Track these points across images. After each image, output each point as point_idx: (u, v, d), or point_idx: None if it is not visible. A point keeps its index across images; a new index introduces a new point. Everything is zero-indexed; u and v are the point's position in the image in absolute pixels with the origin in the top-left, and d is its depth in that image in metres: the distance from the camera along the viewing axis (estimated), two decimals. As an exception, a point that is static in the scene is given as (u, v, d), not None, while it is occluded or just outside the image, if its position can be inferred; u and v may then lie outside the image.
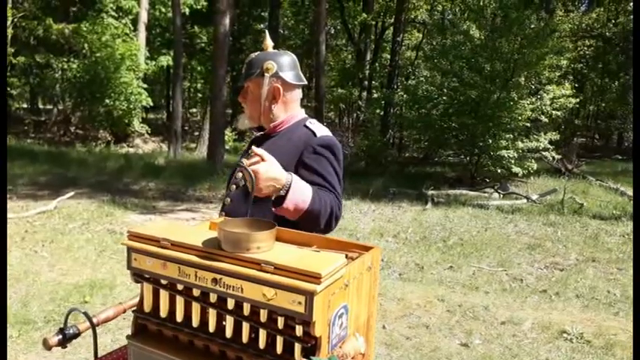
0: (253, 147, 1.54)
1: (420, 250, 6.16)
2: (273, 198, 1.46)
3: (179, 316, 1.09)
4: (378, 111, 18.12)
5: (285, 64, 1.73)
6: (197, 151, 12.98)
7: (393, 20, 20.03)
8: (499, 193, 10.29)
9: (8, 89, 15.30)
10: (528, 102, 11.07)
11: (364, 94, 21.80)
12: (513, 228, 7.42)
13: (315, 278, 0.91)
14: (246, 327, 1.01)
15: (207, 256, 1.02)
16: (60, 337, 1.26)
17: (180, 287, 1.07)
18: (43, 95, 19.11)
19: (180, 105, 12.81)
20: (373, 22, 22.00)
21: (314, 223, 1.55)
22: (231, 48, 25.35)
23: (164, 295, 1.10)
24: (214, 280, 1.00)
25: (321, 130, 1.72)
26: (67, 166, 11.04)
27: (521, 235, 7.06)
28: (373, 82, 22.61)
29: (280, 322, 0.97)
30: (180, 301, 1.08)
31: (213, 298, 1.03)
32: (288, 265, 0.94)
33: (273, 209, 1.50)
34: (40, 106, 22.60)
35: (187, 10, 16.44)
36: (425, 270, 5.41)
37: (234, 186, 1.77)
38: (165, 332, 1.12)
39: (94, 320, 1.35)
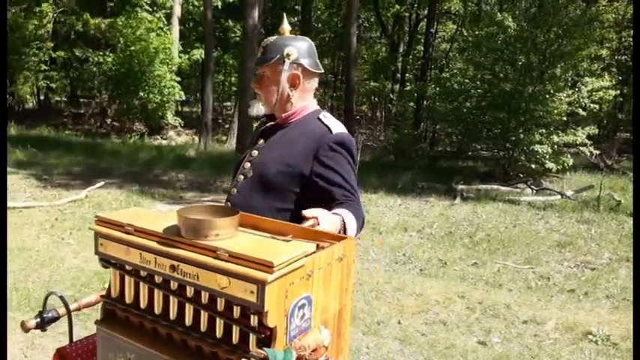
0: (305, 212, 1.46)
1: (444, 245, 6.03)
2: None
3: (143, 303, 1.07)
4: (411, 104, 17.87)
5: (305, 51, 1.66)
6: (227, 143, 13.11)
7: (426, 12, 19.68)
8: (532, 188, 9.99)
9: (48, 82, 15.81)
10: (565, 95, 10.67)
11: (397, 86, 21.52)
12: (544, 225, 7.17)
13: (268, 267, 0.87)
14: (204, 315, 0.98)
15: (166, 243, 0.99)
16: (38, 320, 1.26)
17: (143, 274, 1.05)
18: (82, 88, 19.64)
19: (210, 98, 12.95)
20: (407, 14, 21.68)
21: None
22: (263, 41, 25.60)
23: (129, 281, 1.08)
24: (172, 267, 0.98)
25: (337, 127, 1.66)
26: (100, 156, 11.33)
27: (551, 232, 6.81)
28: (407, 75, 22.30)
29: (236, 311, 0.93)
30: (143, 288, 1.06)
31: (174, 285, 1.01)
32: (242, 252, 0.90)
33: None
34: (81, 100, 23.30)
35: (220, 4, 16.58)
36: (448, 266, 5.29)
37: (241, 176, 1.72)
38: (131, 318, 1.10)
39: (76, 305, 1.36)
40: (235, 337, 0.95)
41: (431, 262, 5.40)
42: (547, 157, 10.46)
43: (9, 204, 5.97)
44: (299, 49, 1.62)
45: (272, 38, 1.66)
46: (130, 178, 9.05)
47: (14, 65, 14.73)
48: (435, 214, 7.74)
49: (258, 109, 1.69)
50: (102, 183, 8.07)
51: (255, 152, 1.69)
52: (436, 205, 8.44)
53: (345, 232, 1.39)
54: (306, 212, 1.36)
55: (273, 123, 1.72)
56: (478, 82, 12.23)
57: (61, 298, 1.28)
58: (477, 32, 12.66)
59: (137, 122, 16.56)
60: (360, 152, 15.55)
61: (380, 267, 5.09)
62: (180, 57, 16.94)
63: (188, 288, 0.98)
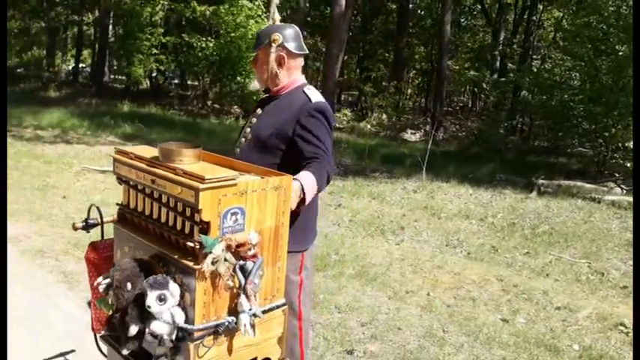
0: (256, 123, 1.89)
1: (501, 234, 6.04)
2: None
3: (139, 207, 1.53)
4: (509, 95, 17.24)
5: (289, 36, 2.04)
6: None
7: (530, -1, 18.76)
8: (621, 188, 9.43)
9: (158, 65, 17.40)
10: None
11: (495, 76, 20.76)
12: (619, 224, 6.85)
13: (201, 179, 1.27)
14: (171, 214, 1.41)
15: (150, 165, 1.43)
16: (84, 224, 1.78)
17: (140, 187, 1.50)
18: (188, 72, 21.30)
19: (299, 83, 13.61)
20: (511, 1, 20.81)
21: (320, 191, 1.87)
22: (360, 28, 25.77)
23: (132, 193, 1.54)
24: (152, 181, 1.41)
25: (316, 97, 2.03)
26: (197, 134, 12.40)
27: (625, 231, 6.51)
28: (510, 65, 21.43)
29: (188, 211, 1.35)
30: (138, 196, 1.51)
31: (155, 194, 1.45)
32: (191, 171, 1.31)
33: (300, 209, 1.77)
34: (189, 82, 25.23)
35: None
36: (498, 252, 5.34)
37: (243, 139, 2.16)
38: (132, 219, 1.57)
39: (110, 218, 1.86)
40: (187, 229, 1.37)
41: (482, 247, 5.47)
42: (645, 155, 9.77)
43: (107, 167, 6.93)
44: (284, 34, 2.00)
45: (264, 27, 2.07)
46: (220, 154, 9.90)
47: (130, 48, 16.43)
48: (504, 205, 7.66)
49: (254, 85, 2.11)
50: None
51: (254, 120, 2.11)
52: (509, 197, 8.31)
53: (304, 195, 1.70)
54: None
55: (267, 95, 2.12)
56: (576, 74, 11.65)
57: (98, 209, 1.78)
58: (576, 21, 12.01)
59: (234, 105, 17.69)
60: (446, 142, 15.46)
61: (428, 247, 5.29)
62: (276, 43, 17.77)
63: (163, 196, 1.42)
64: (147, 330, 1.37)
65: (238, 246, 1.36)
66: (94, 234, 1.85)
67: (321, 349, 2.87)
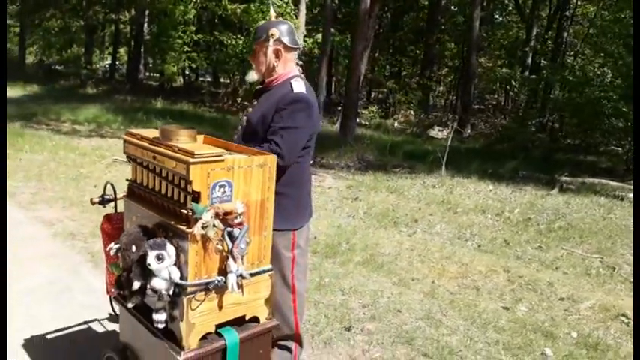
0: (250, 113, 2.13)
1: (516, 229, 6.09)
2: None
3: (144, 181, 1.77)
4: (540, 92, 17.00)
5: (285, 31, 2.26)
6: (337, 123, 13.86)
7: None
8: (648, 186, 9.26)
9: (190, 63, 17.87)
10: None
11: (526, 73, 20.42)
12: (639, 221, 6.80)
13: (191, 155, 1.49)
14: (170, 186, 1.64)
15: (152, 144, 1.66)
16: (100, 199, 2.03)
17: (144, 164, 1.74)
18: (220, 69, 21.79)
19: (324, 80, 13.78)
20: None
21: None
22: (391, 25, 25.76)
23: (139, 169, 1.78)
24: (154, 157, 1.64)
25: (298, 88, 2.23)
26: (225, 130, 12.72)
27: (644, 228, 6.47)
28: (543, 61, 21.05)
29: (182, 183, 1.58)
30: (143, 172, 1.75)
31: (157, 169, 1.68)
32: (184, 148, 1.54)
33: None
34: (221, 80, 25.79)
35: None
36: (510, 246, 5.41)
37: (239, 127, 2.39)
38: (139, 192, 1.81)
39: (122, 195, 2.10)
40: (182, 199, 1.60)
41: (494, 241, 5.55)
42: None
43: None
44: (280, 30, 2.21)
45: (261, 23, 2.28)
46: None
47: (163, 46, 16.95)
48: (522, 201, 7.68)
49: (252, 76, 2.31)
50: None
51: (249, 109, 2.32)
52: (529, 193, 8.31)
53: None
54: None
55: (262, 86, 2.34)
56: (607, 70, 11.47)
57: (112, 186, 2.03)
58: (607, 16, 11.82)
59: (263, 102, 17.97)
60: (473, 139, 15.38)
61: (439, 239, 5.42)
62: (305, 41, 18.02)
63: (162, 170, 1.65)
64: (148, 286, 1.60)
65: (225, 214, 1.57)
66: (110, 209, 2.10)
67: (321, 324, 3.07)
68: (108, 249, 1.82)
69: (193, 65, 18.48)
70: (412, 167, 9.71)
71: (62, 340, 2.76)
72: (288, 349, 2.45)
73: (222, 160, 1.56)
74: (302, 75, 2.33)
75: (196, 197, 1.54)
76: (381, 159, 10.37)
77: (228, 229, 1.61)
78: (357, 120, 14.40)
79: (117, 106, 14.72)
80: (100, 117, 12.38)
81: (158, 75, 20.91)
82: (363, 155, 10.42)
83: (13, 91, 17.36)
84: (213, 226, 1.56)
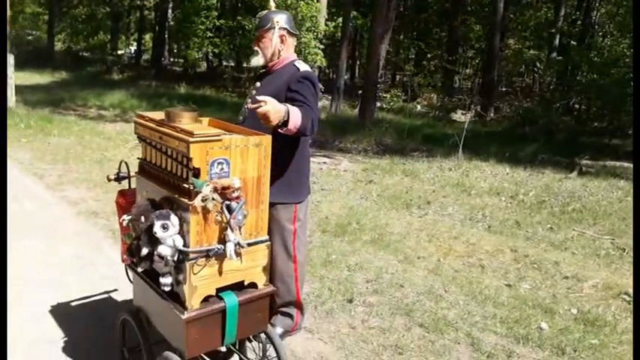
0: (255, 95, 2.25)
1: (529, 211, 6.12)
2: (280, 123, 2.06)
3: (152, 159, 1.95)
4: (567, 74, 16.66)
5: (287, 19, 2.47)
6: (357, 107, 13.94)
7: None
8: (671, 169, 9.12)
9: (212, 48, 18.09)
10: None
11: (554, 55, 19.99)
12: (657, 203, 6.75)
13: (191, 134, 1.66)
14: (174, 163, 1.82)
15: (158, 124, 1.84)
16: (115, 176, 2.24)
17: (153, 143, 1.92)
18: (242, 54, 21.96)
19: (344, 63, 13.83)
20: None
21: (304, 132, 2.20)
22: (415, 7, 25.44)
23: (148, 148, 1.97)
24: (160, 137, 1.82)
25: (304, 67, 2.42)
26: (246, 114, 12.97)
27: (661, 210, 6.43)
28: (572, 42, 20.56)
29: (184, 160, 1.75)
30: (151, 150, 1.94)
31: (162, 148, 1.86)
32: (186, 129, 1.71)
33: (280, 131, 2.10)
34: (244, 65, 26.00)
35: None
36: (520, 227, 5.46)
37: (245, 110, 2.55)
38: (148, 169, 2.00)
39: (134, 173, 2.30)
40: (184, 174, 1.78)
41: (505, 222, 5.61)
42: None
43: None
44: (282, 18, 2.40)
45: (264, 12, 2.43)
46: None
47: (186, 32, 17.20)
48: (539, 184, 7.67)
49: (257, 60, 2.46)
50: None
51: (253, 92, 2.49)
52: (547, 176, 8.29)
53: (288, 118, 2.03)
54: (258, 97, 2.06)
55: (264, 70, 2.50)
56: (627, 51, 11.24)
57: (126, 164, 2.23)
58: (634, -5, 11.50)
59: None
60: (496, 122, 15.25)
61: (450, 221, 5.52)
62: (326, 25, 18.01)
63: (167, 149, 1.83)
64: (155, 252, 1.79)
65: (223, 189, 1.74)
66: (125, 185, 2.30)
67: (324, 297, 3.25)
68: (121, 221, 2.02)
69: (216, 51, 18.67)
70: (430, 150, 9.76)
71: (85, 307, 3.02)
72: (290, 316, 2.65)
73: (220, 140, 1.73)
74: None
75: (196, 173, 1.71)
76: (400, 142, 10.42)
77: (227, 202, 1.78)
78: (378, 104, 14.43)
79: (141, 92, 15.07)
80: (125, 102, 12.73)
81: (182, 61, 21.19)
82: (382, 139, 10.49)
83: (42, 78, 17.91)
84: (212, 199, 1.73)
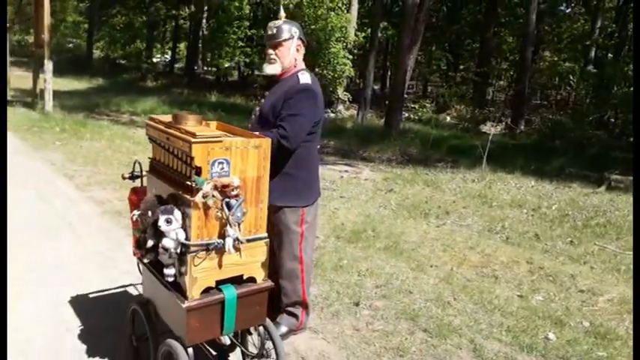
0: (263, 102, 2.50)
1: (550, 224, 6.02)
2: None
3: (161, 159, 2.08)
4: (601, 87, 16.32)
5: (300, 30, 2.58)
6: (384, 117, 14.00)
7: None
8: None
9: (243, 57, 18.47)
10: None
11: (590, 67, 19.59)
12: (686, 220, 6.56)
13: (193, 135, 1.78)
14: (179, 162, 1.94)
15: (166, 126, 1.97)
16: (130, 175, 2.38)
17: (162, 144, 2.05)
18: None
19: (372, 74, 13.94)
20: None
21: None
22: (447, 18, 25.36)
23: (158, 148, 2.10)
24: (167, 138, 1.95)
25: (304, 79, 2.53)
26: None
27: (689, 228, 6.25)
28: (609, 55, 20.11)
29: (188, 160, 1.87)
30: (160, 150, 2.07)
31: (170, 148, 1.99)
32: (190, 130, 1.83)
33: None
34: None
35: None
36: (540, 240, 5.39)
37: (253, 116, 2.69)
38: (157, 168, 2.13)
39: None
40: (188, 173, 1.90)
41: (524, 235, 5.54)
42: None
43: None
44: (299, 28, 2.56)
45: (279, 22, 2.53)
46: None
47: (219, 41, 17.63)
48: (564, 197, 7.55)
49: (274, 69, 2.57)
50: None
51: (262, 100, 2.61)
52: (573, 190, 8.14)
53: None
54: None
55: (273, 80, 2.61)
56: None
57: (139, 164, 2.37)
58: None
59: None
60: (526, 135, 15.03)
61: (467, 231, 5.50)
62: (356, 35, 18.17)
63: (174, 149, 1.96)
64: (160, 245, 1.91)
65: (223, 187, 1.85)
66: (138, 183, 2.45)
67: (331, 299, 3.32)
68: (132, 216, 2.15)
69: (247, 60, 19.05)
70: (455, 162, 9.71)
71: (103, 298, 3.18)
72: (295, 316, 2.73)
73: (221, 141, 1.84)
74: (307, 69, 2.61)
75: (198, 171, 1.83)
76: (424, 153, 10.41)
77: (227, 199, 1.89)
78: (406, 114, 14.44)
79: (173, 99, 15.50)
80: (157, 109, 13.12)
81: (214, 69, 21.68)
82: (406, 149, 10.51)
83: (80, 84, 18.62)
84: (213, 196, 1.84)
